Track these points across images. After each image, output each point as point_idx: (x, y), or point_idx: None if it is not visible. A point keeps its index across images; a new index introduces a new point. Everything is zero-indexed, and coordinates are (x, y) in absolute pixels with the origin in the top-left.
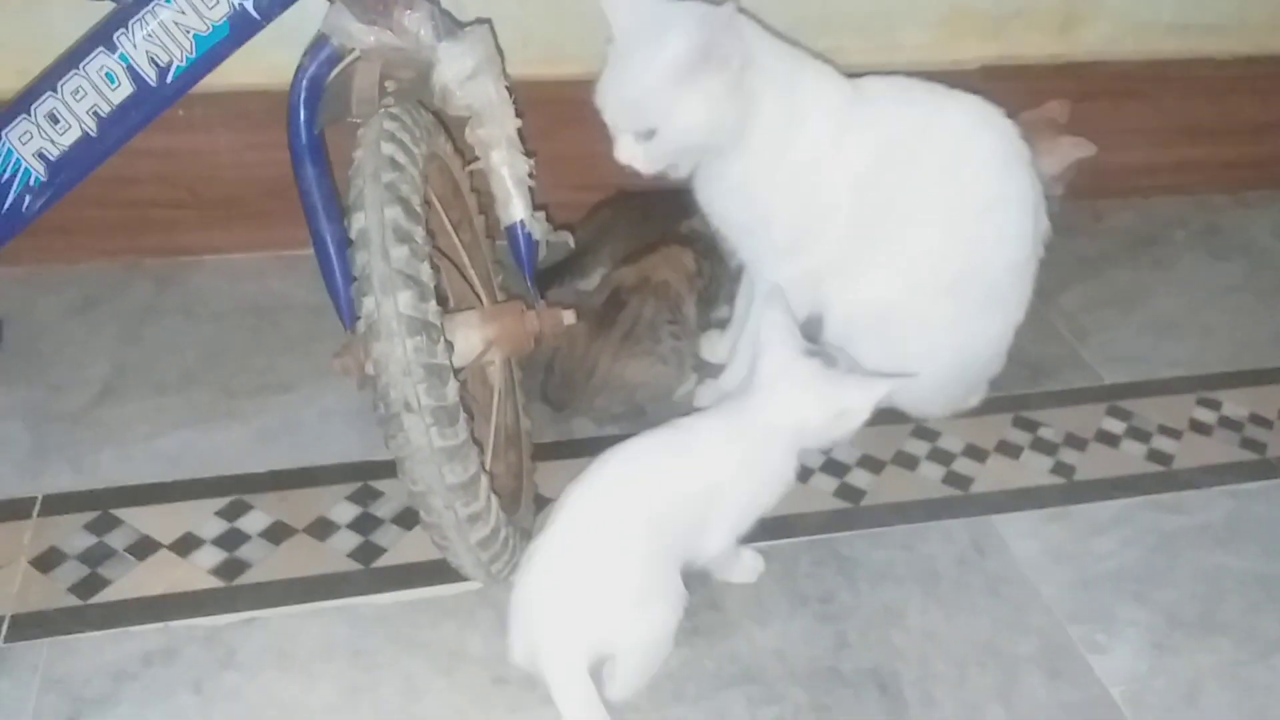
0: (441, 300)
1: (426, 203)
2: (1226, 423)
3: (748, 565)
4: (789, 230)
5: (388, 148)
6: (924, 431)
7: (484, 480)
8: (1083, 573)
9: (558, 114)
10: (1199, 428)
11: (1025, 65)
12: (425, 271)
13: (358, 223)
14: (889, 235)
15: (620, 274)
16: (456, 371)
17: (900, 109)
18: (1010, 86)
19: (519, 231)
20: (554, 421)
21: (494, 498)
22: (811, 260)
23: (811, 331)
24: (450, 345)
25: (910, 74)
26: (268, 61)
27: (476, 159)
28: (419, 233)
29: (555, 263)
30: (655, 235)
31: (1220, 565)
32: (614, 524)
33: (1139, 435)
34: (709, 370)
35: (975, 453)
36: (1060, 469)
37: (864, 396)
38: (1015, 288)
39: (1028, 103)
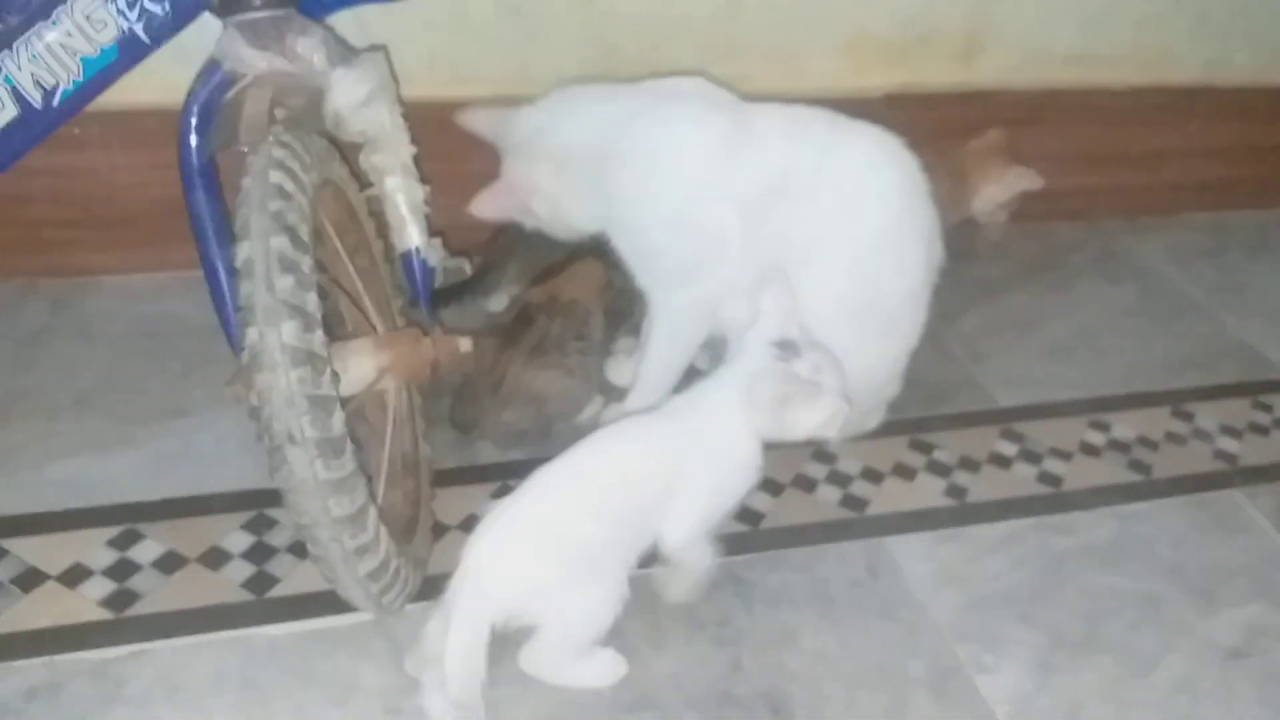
0: (333, 328)
1: (318, 230)
2: (1115, 445)
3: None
4: (677, 260)
5: (275, 176)
6: (823, 454)
7: (372, 512)
8: (972, 594)
9: (466, 135)
10: (1089, 450)
11: (929, 93)
12: (311, 301)
13: (243, 252)
14: (789, 266)
15: (530, 293)
16: (347, 400)
17: (796, 141)
18: (915, 114)
19: (414, 258)
20: (457, 447)
21: (383, 529)
22: (704, 288)
23: (716, 352)
24: (337, 376)
25: (815, 101)
26: (165, 79)
27: (372, 185)
28: (306, 262)
29: (459, 281)
30: (561, 251)
31: (1104, 585)
32: (574, 496)
33: (1030, 457)
34: (615, 394)
35: (872, 475)
36: (953, 491)
37: (809, 414)
38: (911, 314)
39: (932, 130)
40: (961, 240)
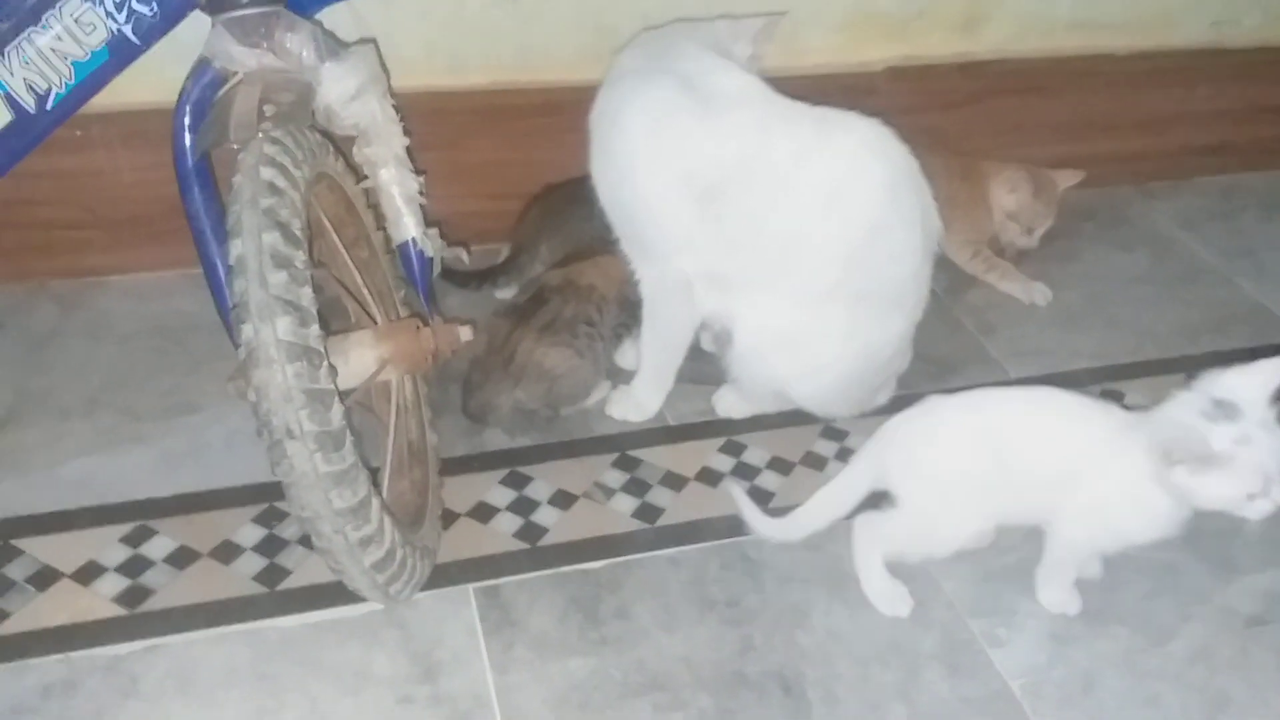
0: (333, 321)
1: (316, 224)
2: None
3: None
4: (634, 231)
5: (267, 172)
6: (832, 432)
7: (375, 503)
8: (985, 567)
9: (464, 124)
10: None
11: (930, 65)
12: (306, 296)
13: (235, 249)
14: (778, 256)
15: (548, 275)
16: (348, 392)
17: (772, 133)
18: (916, 86)
19: (411, 249)
20: (466, 434)
21: (387, 519)
22: (671, 266)
23: (722, 344)
24: (334, 369)
25: (817, 78)
26: (165, 79)
27: (366, 177)
28: (299, 257)
29: (493, 264)
30: (591, 232)
31: (1120, 555)
32: (994, 426)
33: None
34: (622, 376)
35: None
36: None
37: (1215, 488)
38: (911, 293)
39: (933, 103)
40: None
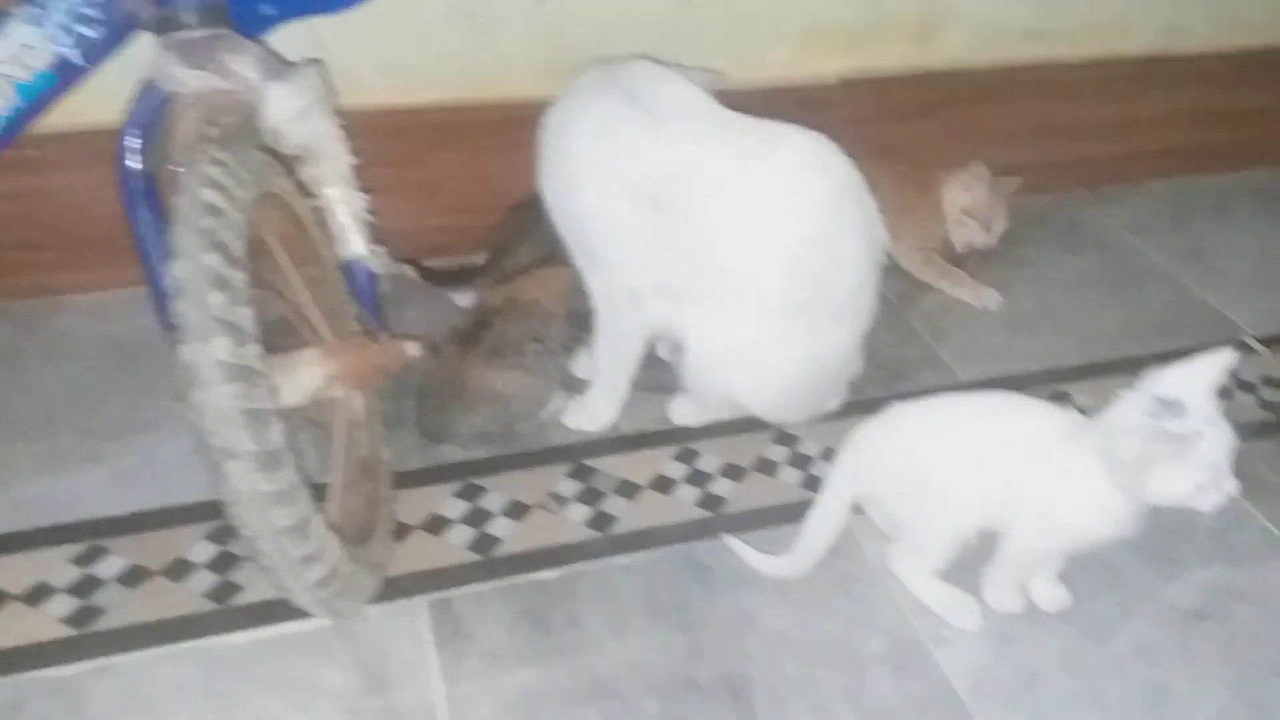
0: (284, 340)
1: (262, 244)
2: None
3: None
4: (579, 242)
5: (207, 194)
6: (784, 437)
7: (316, 520)
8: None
9: (426, 140)
10: None
11: (884, 76)
12: (245, 316)
13: (175, 270)
14: (720, 269)
15: (488, 295)
16: (293, 411)
17: (709, 145)
18: (870, 98)
19: (358, 266)
20: (420, 448)
21: (330, 536)
22: (617, 278)
23: (676, 354)
24: (275, 388)
25: (772, 90)
26: (123, 101)
27: (314, 196)
28: (238, 278)
29: (475, 265)
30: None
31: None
32: (953, 430)
33: None
34: (576, 386)
35: (832, 455)
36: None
37: (1171, 481)
38: (856, 304)
39: (887, 114)
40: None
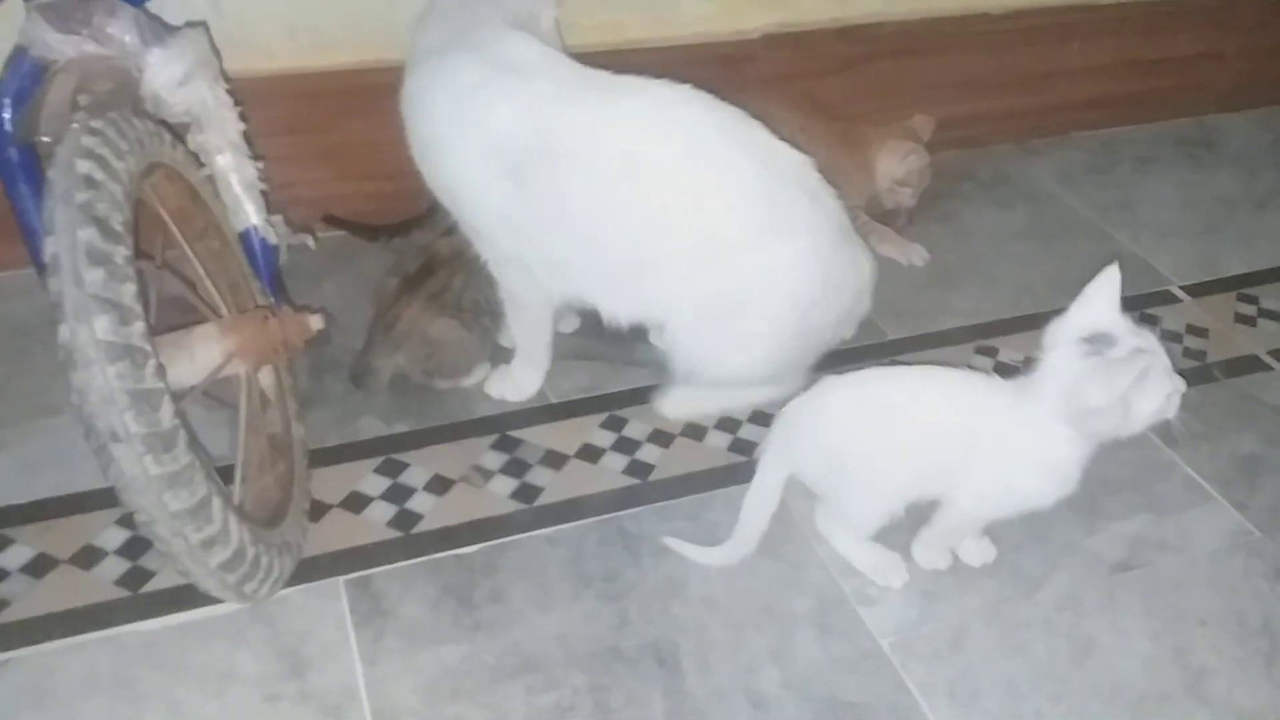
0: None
1: (154, 217)
2: (1001, 369)
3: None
4: (457, 212)
5: (83, 165)
6: None
7: (216, 502)
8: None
9: (335, 105)
10: None
11: (806, 30)
12: (127, 293)
13: (49, 247)
14: (577, 230)
15: (438, 244)
16: (191, 389)
17: (565, 105)
18: (793, 53)
19: (253, 237)
20: (339, 423)
21: (233, 518)
22: (501, 248)
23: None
24: (162, 367)
25: (692, 47)
26: None
27: (204, 165)
28: (119, 253)
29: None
30: None
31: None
32: (886, 406)
33: None
34: (503, 355)
35: (761, 418)
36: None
37: (1145, 401)
38: (765, 236)
39: (811, 69)
40: (876, 215)
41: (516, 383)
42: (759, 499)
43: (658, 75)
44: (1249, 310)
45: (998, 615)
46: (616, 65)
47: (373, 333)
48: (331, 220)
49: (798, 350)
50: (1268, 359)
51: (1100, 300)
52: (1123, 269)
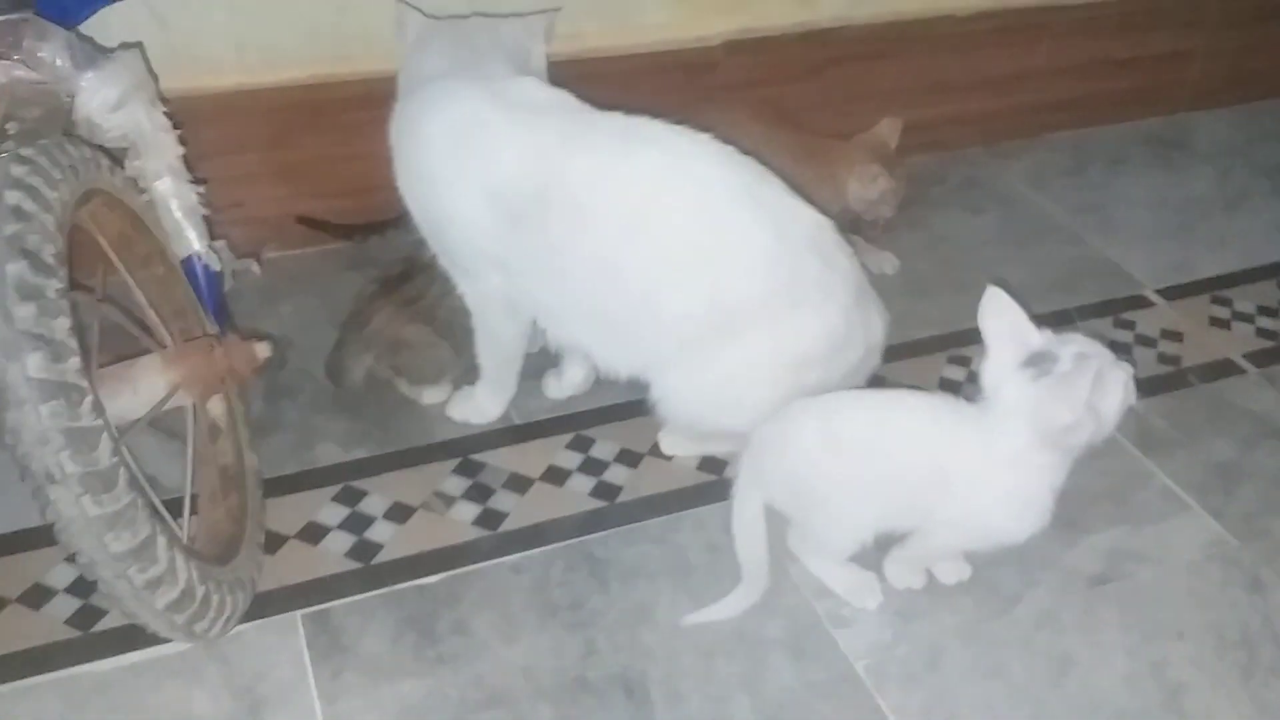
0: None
1: (92, 246)
2: (976, 378)
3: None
4: (441, 247)
5: (12, 196)
6: None
7: (161, 540)
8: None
9: (284, 122)
10: (948, 386)
11: (769, 36)
12: (60, 328)
13: None
14: (578, 275)
15: (421, 250)
16: (134, 423)
17: (575, 152)
18: (756, 59)
19: (196, 264)
20: (295, 450)
21: (179, 556)
22: (484, 284)
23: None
24: (99, 403)
25: (653, 54)
26: None
27: (144, 191)
28: (51, 286)
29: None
30: None
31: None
32: (855, 431)
33: None
34: (469, 378)
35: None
36: None
37: (1111, 398)
38: (780, 301)
39: (775, 75)
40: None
41: (479, 406)
42: (746, 530)
43: (620, 86)
44: (1223, 313)
45: (974, 634)
46: (577, 75)
47: (346, 330)
48: (304, 221)
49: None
50: (1242, 362)
51: (1006, 327)
52: (1094, 274)
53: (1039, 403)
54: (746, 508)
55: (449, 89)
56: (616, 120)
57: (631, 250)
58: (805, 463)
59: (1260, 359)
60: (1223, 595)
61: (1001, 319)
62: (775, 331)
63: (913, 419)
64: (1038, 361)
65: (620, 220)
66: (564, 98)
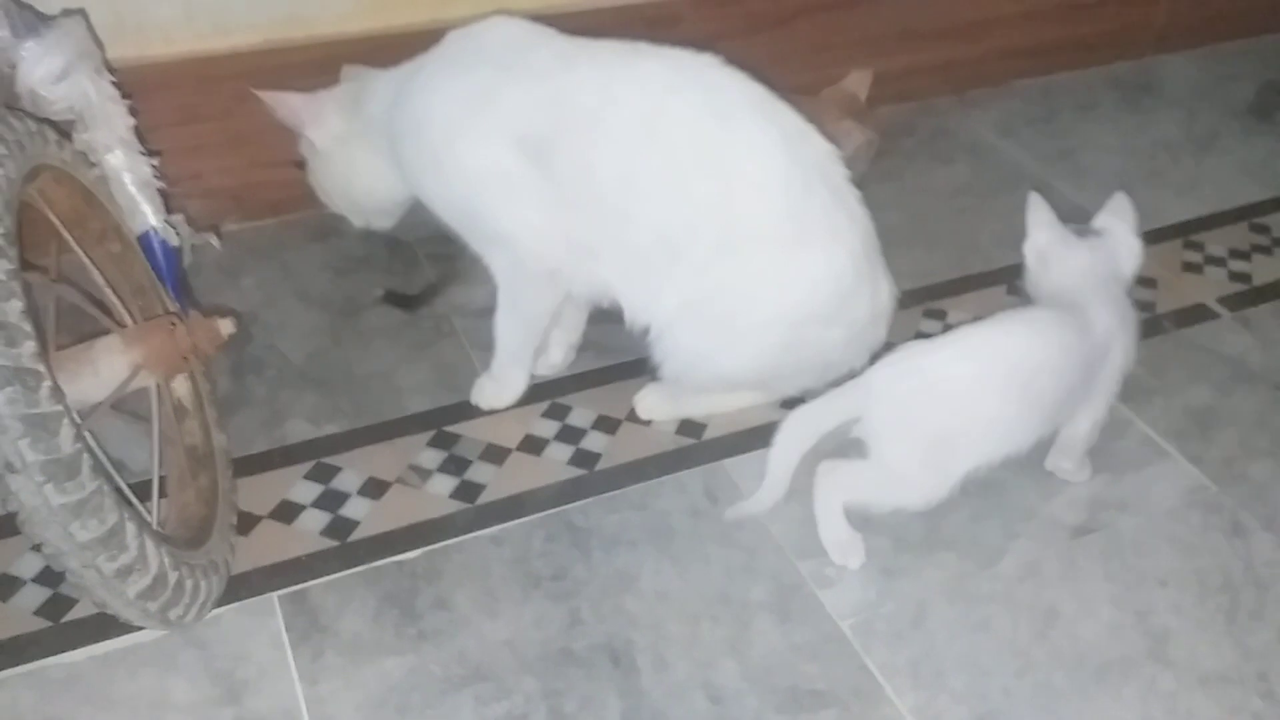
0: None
1: (44, 223)
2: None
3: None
4: (473, 217)
5: None
6: None
7: (130, 527)
8: (812, 506)
9: (237, 90)
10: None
11: None
12: (13, 311)
13: None
14: (607, 202)
15: None
16: (95, 407)
17: (574, 70)
18: (721, 11)
19: (153, 239)
20: (265, 427)
21: (149, 542)
22: (521, 244)
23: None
24: (59, 389)
25: (614, 9)
26: None
27: (95, 164)
28: (1, 268)
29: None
30: None
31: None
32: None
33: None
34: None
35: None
36: (789, 401)
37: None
38: (786, 224)
39: (741, 26)
40: None
41: (506, 386)
42: (793, 450)
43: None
44: (1195, 258)
45: (959, 589)
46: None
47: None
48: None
49: (791, 362)
50: (1216, 306)
51: (1049, 218)
52: (1067, 221)
53: (1114, 250)
54: (803, 434)
55: (439, 68)
56: (616, 43)
57: (645, 159)
58: (959, 409)
59: (1234, 302)
60: (1204, 541)
61: (1043, 214)
62: (783, 271)
63: (1045, 333)
64: (1085, 234)
65: (632, 128)
66: (541, 29)
